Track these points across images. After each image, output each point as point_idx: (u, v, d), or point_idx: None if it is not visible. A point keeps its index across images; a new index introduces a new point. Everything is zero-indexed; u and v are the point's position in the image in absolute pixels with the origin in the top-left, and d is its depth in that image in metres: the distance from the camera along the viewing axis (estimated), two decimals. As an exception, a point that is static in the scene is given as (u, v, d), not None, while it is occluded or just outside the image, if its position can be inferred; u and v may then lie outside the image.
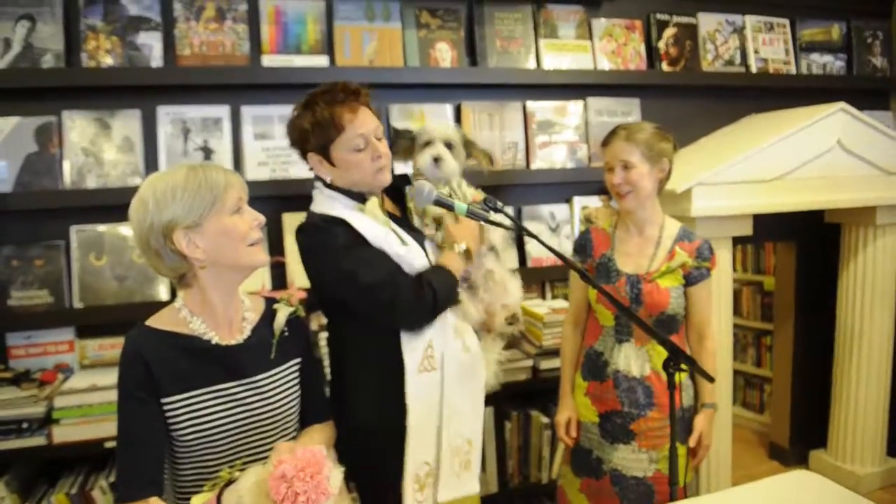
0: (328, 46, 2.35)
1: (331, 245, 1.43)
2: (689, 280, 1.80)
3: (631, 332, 1.82)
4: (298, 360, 1.41)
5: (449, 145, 1.67)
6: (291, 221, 2.20)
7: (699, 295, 1.81)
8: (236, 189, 1.26)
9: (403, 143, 1.74)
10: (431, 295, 1.45)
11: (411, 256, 1.51)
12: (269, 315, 1.40)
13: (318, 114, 1.46)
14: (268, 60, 2.27)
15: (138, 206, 1.24)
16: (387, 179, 1.55)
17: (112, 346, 2.10)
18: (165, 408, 1.23)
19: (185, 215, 1.21)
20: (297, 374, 1.40)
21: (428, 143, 1.68)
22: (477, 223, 1.62)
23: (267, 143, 2.28)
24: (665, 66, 2.77)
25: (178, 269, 1.26)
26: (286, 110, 2.29)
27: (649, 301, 1.77)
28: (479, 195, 1.71)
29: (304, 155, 1.53)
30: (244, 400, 1.28)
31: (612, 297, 1.36)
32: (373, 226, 1.48)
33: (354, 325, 1.52)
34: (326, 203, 1.51)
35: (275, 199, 2.25)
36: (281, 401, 1.34)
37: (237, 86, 2.23)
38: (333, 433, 1.48)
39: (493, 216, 1.50)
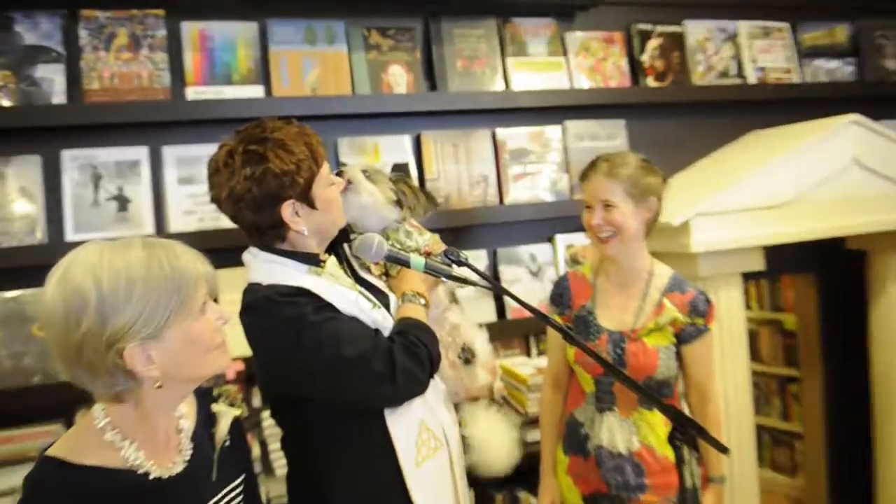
0: (263, 75, 2.35)
1: (298, 321, 1.36)
2: (682, 338, 1.78)
3: (614, 399, 1.79)
4: (242, 476, 1.30)
5: (366, 175, 1.67)
6: (226, 279, 2.15)
7: (696, 354, 1.79)
8: (205, 281, 1.11)
9: None
10: (426, 353, 1.43)
11: (386, 320, 1.49)
12: (204, 416, 1.27)
13: (296, 150, 1.41)
14: (192, 93, 2.26)
15: (69, 300, 1.01)
16: (345, 218, 1.57)
17: (7, 440, 2.00)
18: None
19: (145, 323, 1.03)
20: (240, 497, 1.28)
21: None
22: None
23: (194, 189, 2.24)
24: (651, 82, 2.80)
25: (116, 388, 1.07)
26: (214, 148, 2.29)
27: (634, 363, 1.74)
28: (437, 241, 1.69)
29: (275, 206, 1.42)
30: None
31: (606, 361, 1.33)
32: (339, 290, 1.45)
33: (327, 422, 1.46)
34: (275, 271, 1.44)
35: (205, 253, 2.18)
36: None
37: (157, 123, 2.20)
38: None
39: (457, 271, 1.48)
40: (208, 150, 2.24)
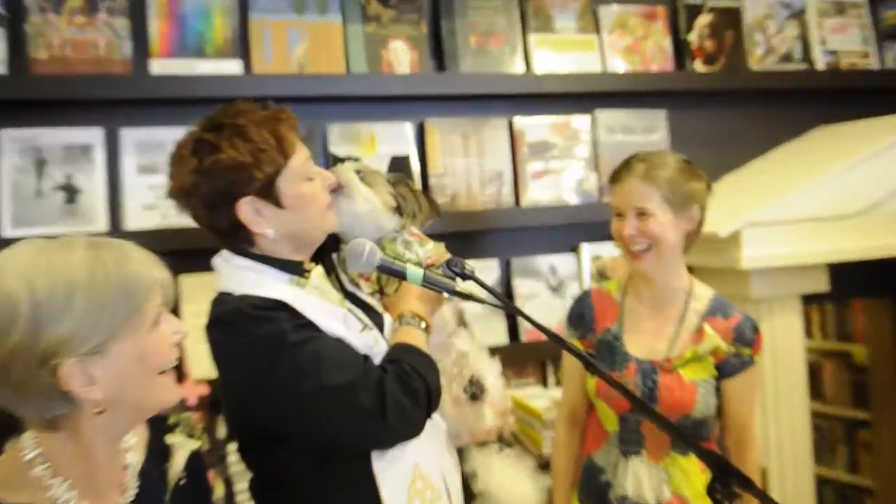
0: (242, 48, 2.33)
1: (275, 340, 1.35)
2: (724, 370, 1.76)
3: (642, 441, 1.76)
4: None
5: (360, 176, 1.63)
6: (192, 287, 2.13)
7: (739, 390, 1.78)
8: (160, 287, 1.11)
9: None
10: (423, 387, 1.41)
11: (378, 345, 1.48)
12: (156, 447, 1.25)
13: (257, 138, 1.41)
14: (158, 66, 2.23)
15: None
16: (335, 221, 1.55)
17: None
18: None
19: (86, 336, 1.02)
20: None
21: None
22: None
23: (156, 179, 2.20)
24: (699, 66, 2.76)
25: (50, 412, 1.05)
26: (181, 133, 2.28)
27: (668, 399, 1.72)
28: (441, 252, 1.66)
29: (230, 204, 1.43)
30: None
31: (634, 396, 1.29)
32: (325, 307, 1.44)
33: (304, 464, 1.44)
34: (250, 280, 1.43)
35: (168, 255, 2.14)
36: None
37: (115, 101, 2.19)
38: None
39: (461, 285, 1.45)
40: (174, 134, 2.18)
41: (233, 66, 2.29)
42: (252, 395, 1.40)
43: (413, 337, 1.49)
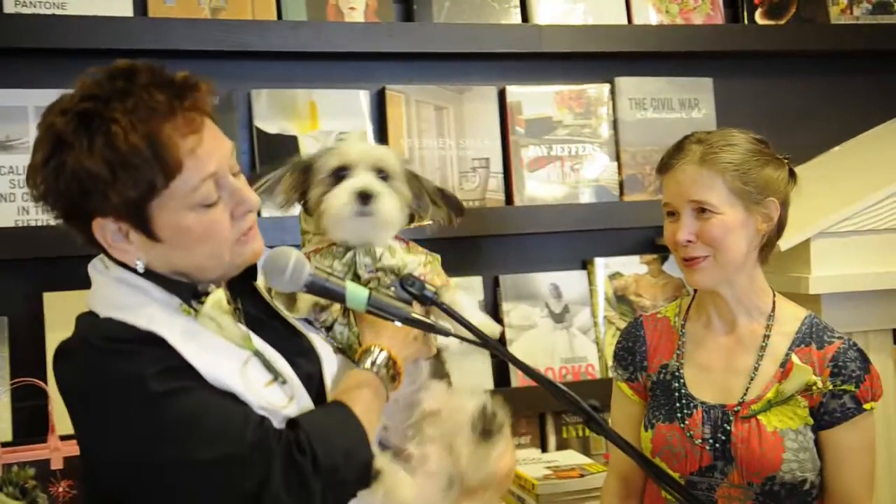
0: (134, -20, 2.34)
1: (130, 387, 1.34)
2: (821, 418, 1.77)
3: None
4: None
5: (383, 175, 1.66)
6: (61, 307, 2.17)
7: (844, 446, 1.77)
8: None
9: (292, 179, 1.70)
10: (309, 462, 1.38)
11: (291, 406, 1.46)
12: None
13: (123, 145, 1.34)
14: (14, 3, 2.26)
15: None
16: (258, 250, 1.54)
17: None
18: None
19: None
20: None
21: (341, 173, 1.66)
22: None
23: (13, 159, 2.25)
24: (760, 19, 2.80)
25: None
26: (49, 96, 2.28)
27: (746, 454, 1.75)
28: (437, 270, 1.70)
29: (82, 220, 1.42)
30: None
31: (640, 454, 1.34)
32: (216, 345, 1.44)
33: None
34: (124, 298, 1.44)
35: (29, 264, 2.24)
36: None
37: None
38: None
39: (419, 312, 1.49)
40: (40, 97, 2.19)
41: (120, 6, 2.32)
42: (96, 456, 1.41)
43: (357, 384, 1.49)
